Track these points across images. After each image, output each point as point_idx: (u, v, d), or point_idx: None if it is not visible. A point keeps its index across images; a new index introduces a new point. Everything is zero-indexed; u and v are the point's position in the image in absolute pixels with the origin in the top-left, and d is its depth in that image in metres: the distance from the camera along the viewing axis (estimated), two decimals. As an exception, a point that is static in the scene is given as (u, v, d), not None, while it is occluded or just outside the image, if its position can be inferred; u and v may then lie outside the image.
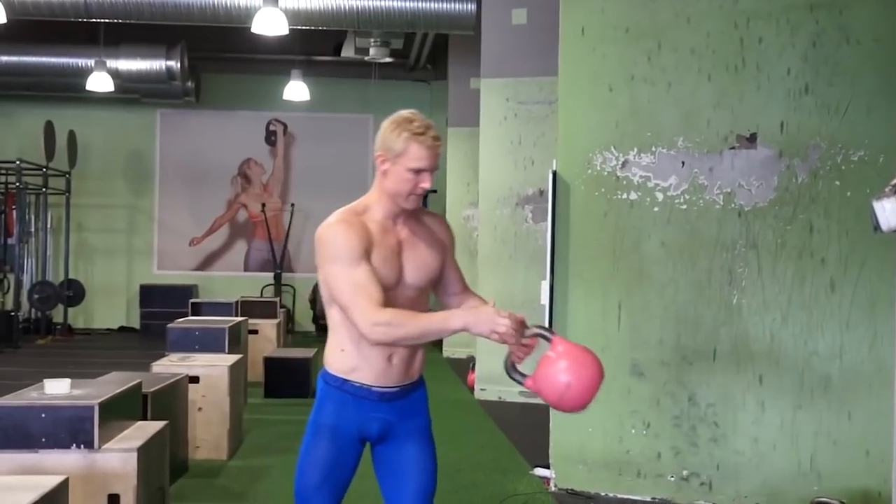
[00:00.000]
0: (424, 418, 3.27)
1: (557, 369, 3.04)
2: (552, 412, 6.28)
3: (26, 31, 12.87)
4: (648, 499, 5.90)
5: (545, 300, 6.25)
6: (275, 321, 11.27)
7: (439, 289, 3.31)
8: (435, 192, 15.42)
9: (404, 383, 3.18)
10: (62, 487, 3.88)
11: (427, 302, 3.25)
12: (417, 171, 3.07)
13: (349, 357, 3.10)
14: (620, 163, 6.02)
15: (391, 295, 3.06)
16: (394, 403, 3.16)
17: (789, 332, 5.66)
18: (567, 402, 3.11)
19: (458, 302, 3.35)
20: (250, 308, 11.26)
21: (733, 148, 5.81)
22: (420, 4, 10.81)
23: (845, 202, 5.58)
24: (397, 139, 3.08)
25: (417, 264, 3.15)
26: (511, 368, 3.09)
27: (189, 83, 14.93)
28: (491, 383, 9.71)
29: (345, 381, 3.10)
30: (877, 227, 2.54)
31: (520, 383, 3.11)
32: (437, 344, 13.82)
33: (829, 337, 5.60)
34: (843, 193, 5.59)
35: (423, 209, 3.30)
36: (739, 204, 5.78)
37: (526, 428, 7.88)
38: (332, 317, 3.13)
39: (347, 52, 13.58)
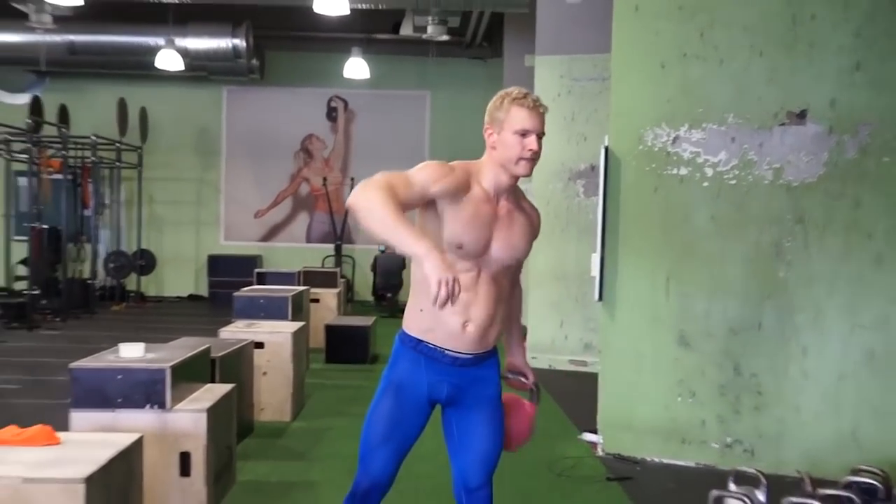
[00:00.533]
0: (495, 387, 3.26)
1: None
2: (601, 380, 6.30)
3: (100, 13, 13.01)
4: (693, 464, 5.90)
5: (595, 272, 6.26)
6: (335, 290, 11.37)
7: None
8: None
9: (478, 351, 3.17)
10: (137, 445, 3.99)
11: (505, 288, 3.23)
12: (523, 134, 3.08)
13: (426, 318, 3.10)
14: (671, 139, 5.99)
15: (474, 263, 3.07)
16: (466, 370, 3.16)
17: (834, 305, 5.62)
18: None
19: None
20: (312, 278, 11.36)
21: (783, 124, 5.75)
22: (477, -16, 10.77)
23: (894, 178, 5.51)
24: (500, 108, 3.14)
25: (506, 243, 3.14)
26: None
27: (254, 61, 15.01)
28: (542, 352, 9.74)
29: (419, 341, 3.12)
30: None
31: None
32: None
33: (874, 310, 5.54)
34: (892, 170, 5.52)
35: (525, 198, 3.31)
36: (788, 179, 5.73)
37: (575, 395, 7.89)
38: (414, 274, 3.10)
39: (406, 30, 13.57)
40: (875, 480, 4.60)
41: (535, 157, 3.11)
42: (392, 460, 3.18)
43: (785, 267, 5.73)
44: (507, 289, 3.25)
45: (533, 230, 3.28)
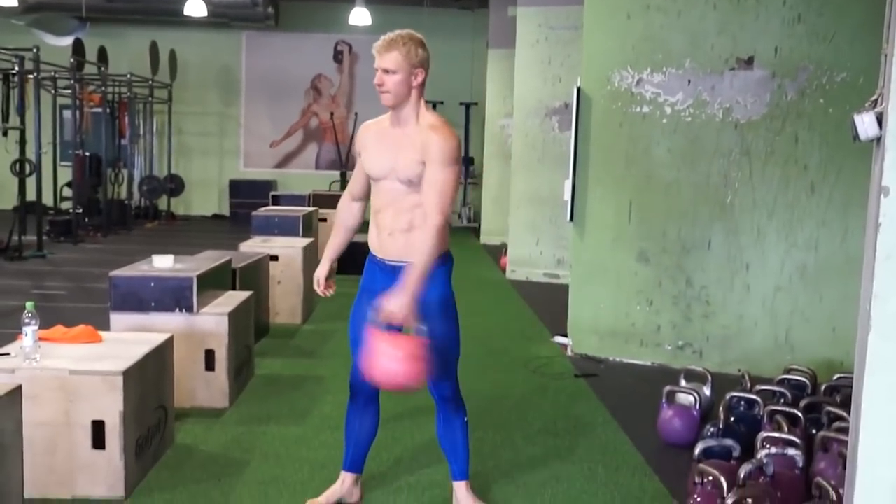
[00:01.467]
0: (432, 296, 3.11)
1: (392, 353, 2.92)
2: (570, 290, 6.31)
3: (133, -37, 12.72)
4: (649, 363, 5.94)
5: (567, 197, 6.21)
6: (341, 211, 11.30)
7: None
8: (476, 104, 15.30)
9: (402, 260, 3.10)
10: (168, 343, 3.99)
11: (407, 205, 3.11)
12: (377, 69, 3.09)
13: (370, 231, 3.25)
14: (635, 81, 5.90)
15: (381, 185, 3.16)
16: (395, 277, 3.09)
17: (773, 228, 5.60)
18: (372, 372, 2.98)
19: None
20: (320, 200, 11.29)
21: (733, 69, 5.66)
22: (466, -59, 10.52)
23: (827, 117, 5.45)
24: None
25: (402, 163, 3.08)
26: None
27: (269, 9, 14.74)
28: (520, 265, 9.75)
29: (370, 251, 3.25)
30: (855, 137, 2.48)
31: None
32: (476, 232, 13.83)
33: (807, 231, 5.53)
34: (826, 110, 5.46)
35: (430, 123, 3.11)
36: (736, 118, 5.67)
37: (548, 303, 7.92)
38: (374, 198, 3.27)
39: (403, -18, 13.29)
40: (804, 377, 4.65)
41: (382, 91, 3.09)
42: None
43: (731, 193, 5.69)
44: (421, 213, 3.08)
45: (421, 149, 3.05)
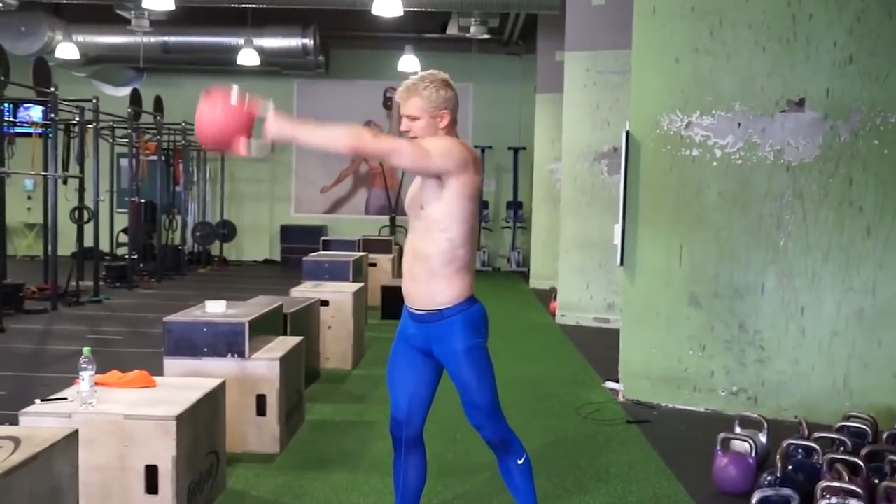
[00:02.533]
0: (455, 345, 3.08)
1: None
2: (622, 335, 6.24)
3: (189, 16, 13.06)
4: (702, 409, 5.84)
5: (617, 241, 6.19)
6: (390, 256, 11.39)
7: None
8: (524, 148, 15.35)
9: (425, 308, 3.10)
10: (221, 388, 4.02)
11: (424, 246, 3.10)
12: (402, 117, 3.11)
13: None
14: (684, 124, 5.88)
15: (411, 223, 3.19)
16: (424, 326, 3.12)
17: (829, 271, 5.51)
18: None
19: None
20: (370, 245, 11.39)
21: (784, 111, 5.62)
22: (513, -11, 10.66)
23: (882, 158, 5.38)
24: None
25: (420, 197, 3.12)
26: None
27: (320, 57, 14.98)
28: (570, 310, 9.68)
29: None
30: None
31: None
32: (525, 276, 13.80)
33: (863, 275, 5.43)
34: (881, 151, 5.38)
35: None
36: (788, 160, 5.61)
37: (599, 348, 7.84)
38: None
39: (452, 29, 13.47)
40: (864, 425, 4.53)
41: (410, 136, 3.08)
42: (401, 399, 3.25)
43: (785, 237, 5.62)
44: (437, 253, 3.05)
45: (435, 190, 3.04)
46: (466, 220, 3.05)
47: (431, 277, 3.06)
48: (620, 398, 6.13)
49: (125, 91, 14.06)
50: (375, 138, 2.96)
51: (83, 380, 3.41)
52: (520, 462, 3.23)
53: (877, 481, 3.71)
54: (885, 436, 4.38)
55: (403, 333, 3.24)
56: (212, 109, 2.95)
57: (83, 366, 3.40)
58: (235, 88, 2.92)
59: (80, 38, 13.66)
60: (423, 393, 3.24)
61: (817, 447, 4.09)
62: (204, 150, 15.37)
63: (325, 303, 6.83)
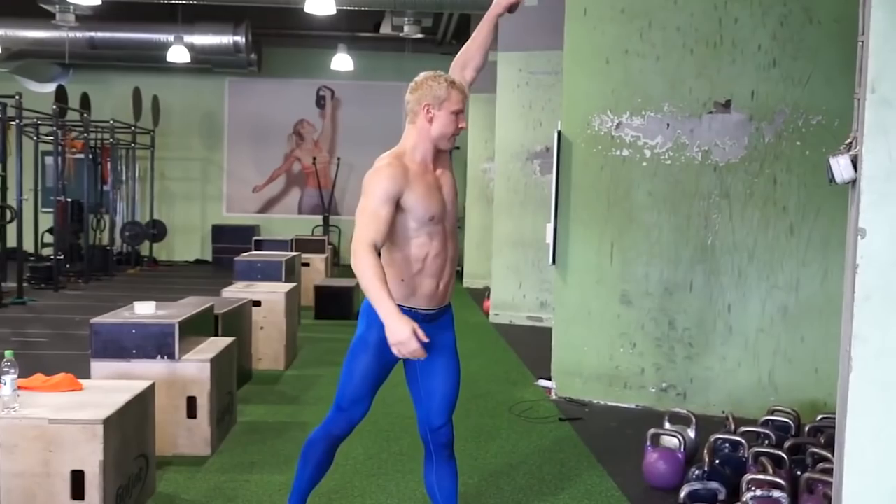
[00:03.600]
0: (452, 335, 3.27)
1: None
2: (554, 333, 6.30)
3: (117, 12, 12.81)
4: (633, 406, 5.93)
5: (549, 240, 6.24)
6: (323, 256, 11.31)
7: None
8: (458, 148, 15.39)
9: (443, 305, 3.19)
10: (150, 390, 3.95)
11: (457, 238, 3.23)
12: (457, 113, 3.10)
13: (407, 286, 3.08)
14: (615, 124, 5.96)
15: (441, 228, 3.09)
16: (431, 324, 3.12)
17: (754, 269, 5.64)
18: None
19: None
20: (303, 245, 11.30)
21: (711, 112, 5.74)
22: (447, -11, 10.68)
23: (805, 159, 5.52)
24: (441, 88, 3.10)
25: (452, 197, 3.16)
26: None
27: (252, 55, 14.82)
28: (503, 309, 9.74)
29: (400, 306, 2.97)
30: (831, 179, 2.52)
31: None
32: (458, 276, 13.84)
33: (787, 272, 5.57)
34: (803, 152, 5.53)
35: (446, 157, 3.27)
36: (715, 160, 5.73)
37: (532, 346, 7.90)
38: (393, 254, 3.07)
39: (385, 28, 13.44)
40: (787, 419, 4.65)
41: (460, 132, 3.20)
42: (369, 408, 3.23)
43: (712, 235, 5.73)
44: (457, 244, 3.23)
45: (455, 181, 3.26)
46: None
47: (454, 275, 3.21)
48: (553, 396, 6.18)
49: (50, 87, 13.70)
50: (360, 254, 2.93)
51: (5, 384, 3.32)
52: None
53: (799, 473, 3.81)
54: (807, 429, 4.51)
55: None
56: None
57: (5, 369, 3.31)
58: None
59: (3, 31, 13.32)
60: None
61: (743, 441, 4.19)
62: (134, 148, 15.08)
63: (257, 303, 6.75)
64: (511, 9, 3.45)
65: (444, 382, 3.21)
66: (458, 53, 3.57)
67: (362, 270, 2.88)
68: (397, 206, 3.00)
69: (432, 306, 3.13)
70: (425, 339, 2.85)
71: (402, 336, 2.82)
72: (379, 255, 2.94)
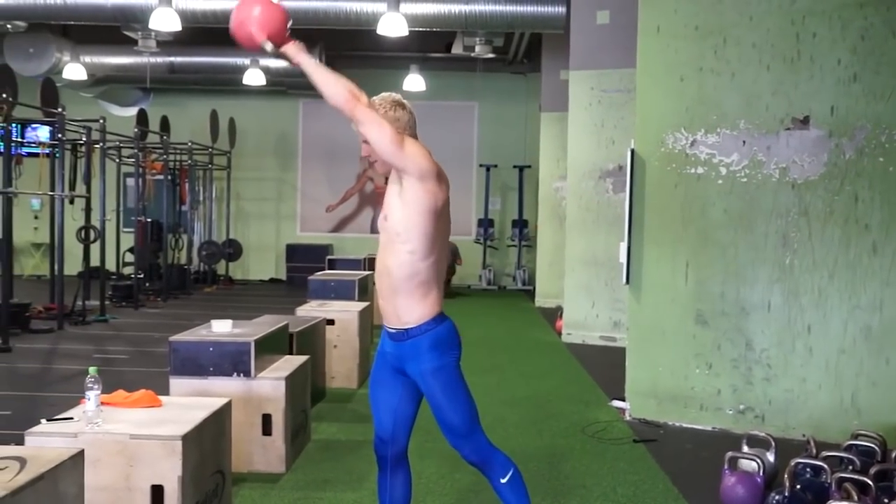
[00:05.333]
0: (425, 364, 3.07)
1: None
2: (628, 354, 6.22)
3: (195, 37, 13.12)
4: (709, 428, 5.81)
5: (623, 259, 6.18)
6: (396, 274, 11.35)
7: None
8: (529, 167, 15.36)
9: (396, 327, 3.11)
10: (227, 407, 4.01)
11: (393, 264, 3.10)
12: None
13: None
14: (689, 142, 5.89)
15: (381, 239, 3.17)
16: (396, 344, 3.12)
17: (835, 288, 5.49)
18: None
19: None
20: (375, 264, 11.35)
21: (788, 129, 5.63)
22: (518, 8, 10.71)
23: (887, 176, 5.37)
24: (396, 110, 3.25)
25: (388, 210, 3.17)
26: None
27: (326, 77, 15.04)
28: (576, 328, 9.67)
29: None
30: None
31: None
32: (531, 295, 13.79)
33: (870, 292, 5.41)
34: (886, 168, 5.38)
35: None
36: (793, 177, 5.61)
37: (605, 367, 7.82)
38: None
39: (457, 48, 13.51)
40: (872, 443, 4.50)
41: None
42: (385, 417, 3.21)
43: (791, 254, 5.61)
44: (397, 266, 3.06)
45: (400, 197, 3.10)
46: (428, 233, 3.04)
47: (394, 293, 3.06)
48: (627, 417, 6.10)
49: (132, 111, 14.13)
50: (366, 109, 3.06)
51: (89, 399, 3.41)
52: (503, 480, 3.15)
53: (886, 500, 3.68)
54: (893, 455, 4.36)
55: (382, 352, 3.24)
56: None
57: (89, 385, 3.40)
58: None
59: (88, 58, 13.75)
60: (405, 410, 3.22)
61: (825, 466, 4.07)
62: (211, 169, 15.40)
63: (330, 322, 6.83)
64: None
65: (434, 408, 3.13)
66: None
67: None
68: (402, 186, 3.06)
69: (387, 323, 3.16)
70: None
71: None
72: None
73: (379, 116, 3.07)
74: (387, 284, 3.08)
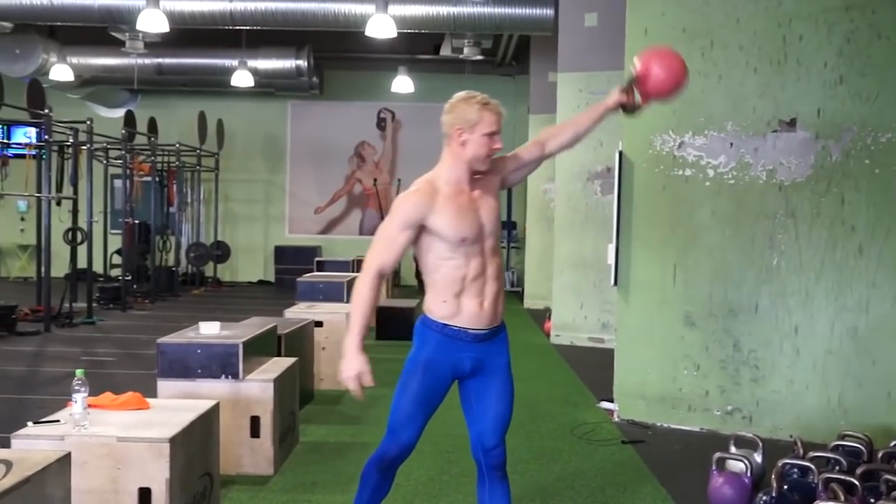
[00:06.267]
0: (506, 357, 3.25)
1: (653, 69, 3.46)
2: (616, 355, 6.23)
3: (183, 38, 13.10)
4: (697, 429, 5.83)
5: (611, 260, 6.20)
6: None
7: None
8: (518, 169, 15.36)
9: (493, 325, 3.18)
10: (214, 409, 4.00)
11: (501, 262, 3.23)
12: (491, 135, 3.08)
13: (450, 306, 3.10)
14: (677, 144, 5.91)
15: (478, 248, 3.08)
16: (483, 344, 3.15)
17: (822, 289, 5.52)
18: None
19: None
20: (364, 265, 11.35)
21: (775, 131, 5.65)
22: (506, 10, 10.74)
23: (874, 178, 5.40)
24: (471, 111, 3.10)
25: (491, 218, 3.14)
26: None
27: (314, 79, 15.06)
28: (564, 330, 9.69)
29: (445, 325, 3.10)
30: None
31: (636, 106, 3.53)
32: (520, 296, 13.80)
33: (856, 293, 5.44)
34: (872, 170, 5.41)
35: (485, 176, 3.23)
36: (780, 179, 5.64)
37: (593, 368, 7.83)
38: (432, 275, 3.12)
39: (445, 51, 13.53)
40: (859, 444, 4.52)
41: (496, 154, 3.19)
42: (421, 430, 3.23)
43: (778, 256, 5.63)
44: (501, 269, 3.23)
45: (498, 202, 3.24)
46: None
47: (501, 294, 3.20)
48: (615, 418, 6.11)
49: (119, 112, 14.11)
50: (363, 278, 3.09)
51: (76, 402, 3.39)
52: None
53: (872, 501, 3.70)
54: (880, 455, 4.38)
55: (441, 361, 3.14)
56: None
57: (76, 388, 3.39)
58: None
59: (75, 59, 13.70)
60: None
61: (813, 466, 4.08)
62: (199, 170, 15.36)
63: (319, 324, 6.82)
64: (626, 108, 3.53)
65: (497, 404, 3.19)
66: (554, 125, 3.65)
67: (356, 293, 3.07)
68: (424, 230, 3.04)
69: (480, 326, 3.13)
70: (370, 384, 3.11)
71: (348, 373, 3.12)
72: (384, 281, 3.08)
73: (379, 246, 3.10)
74: (499, 287, 3.19)
